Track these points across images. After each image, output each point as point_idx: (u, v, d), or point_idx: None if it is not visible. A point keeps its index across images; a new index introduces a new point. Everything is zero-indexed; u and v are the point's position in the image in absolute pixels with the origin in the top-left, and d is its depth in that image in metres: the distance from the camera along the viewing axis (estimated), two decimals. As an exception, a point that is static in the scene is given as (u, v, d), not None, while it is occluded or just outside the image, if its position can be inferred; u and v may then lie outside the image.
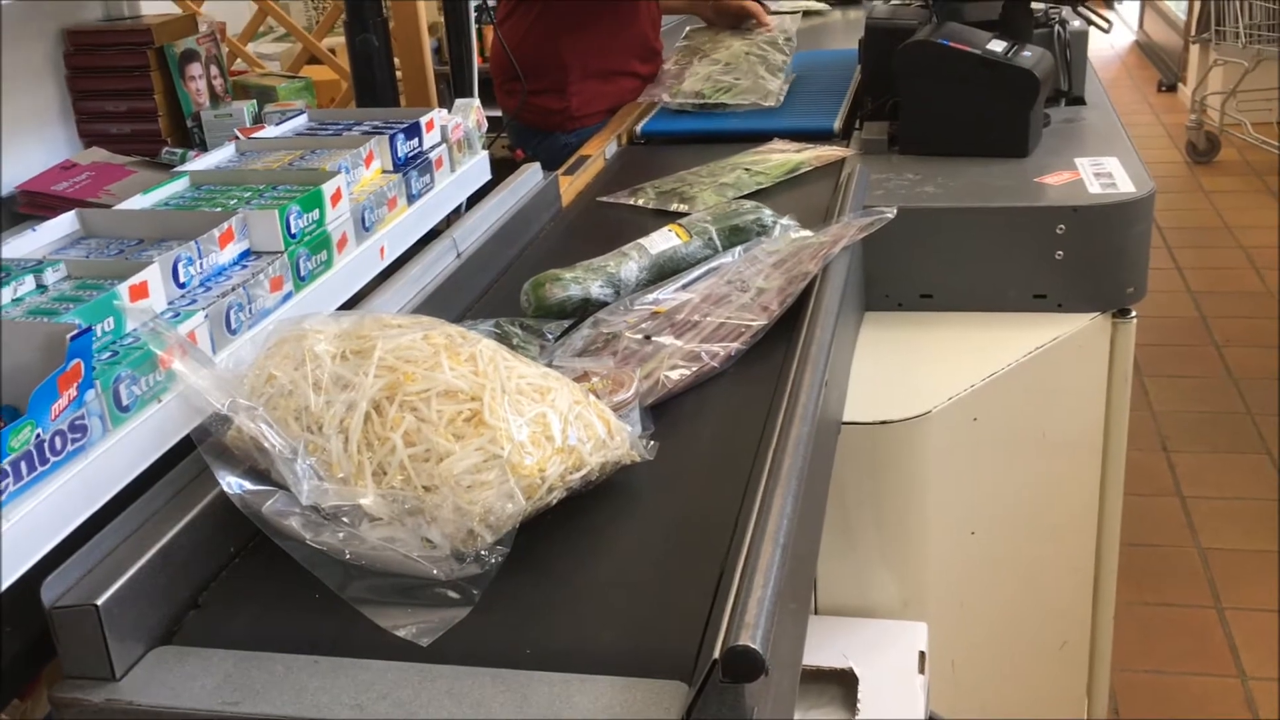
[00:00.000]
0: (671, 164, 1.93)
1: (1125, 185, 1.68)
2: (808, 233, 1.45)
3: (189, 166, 1.47)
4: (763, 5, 2.60)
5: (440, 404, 0.92)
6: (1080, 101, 2.10)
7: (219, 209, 1.29)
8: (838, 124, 2.11)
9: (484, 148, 1.73)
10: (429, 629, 0.86)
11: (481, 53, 3.39)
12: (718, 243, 1.46)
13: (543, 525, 0.96)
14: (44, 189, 1.81)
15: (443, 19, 2.46)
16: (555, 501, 0.95)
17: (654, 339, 1.24)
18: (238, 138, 1.57)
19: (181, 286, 1.14)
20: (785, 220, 1.50)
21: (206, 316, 1.10)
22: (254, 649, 0.86)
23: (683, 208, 1.72)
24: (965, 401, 1.53)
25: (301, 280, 1.26)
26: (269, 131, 1.61)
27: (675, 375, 1.19)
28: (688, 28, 2.65)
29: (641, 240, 1.43)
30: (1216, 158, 5.52)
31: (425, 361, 0.95)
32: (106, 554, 0.88)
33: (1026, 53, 1.83)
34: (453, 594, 0.88)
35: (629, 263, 1.40)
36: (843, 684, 1.38)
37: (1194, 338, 3.92)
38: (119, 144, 2.02)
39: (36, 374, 0.88)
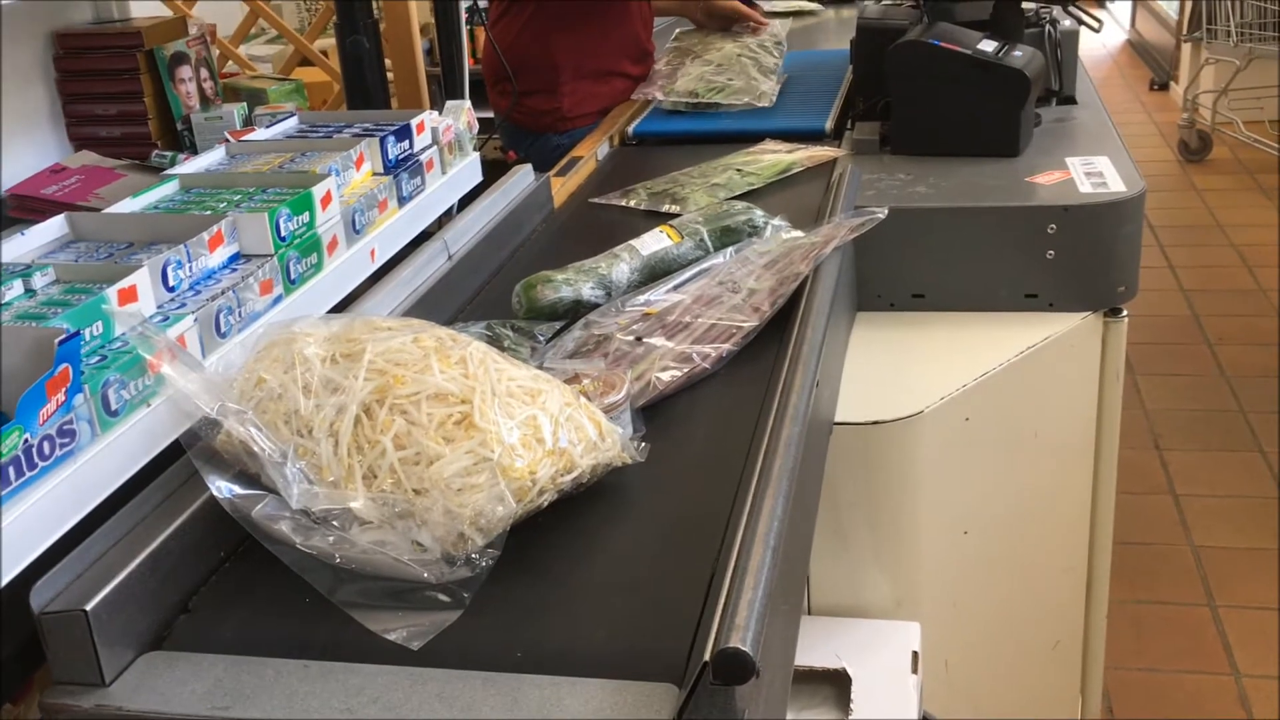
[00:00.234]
0: (663, 165, 1.93)
1: (1116, 184, 1.69)
2: (799, 233, 1.45)
3: (179, 170, 1.46)
4: (755, 6, 2.60)
5: (430, 407, 0.92)
6: (1071, 101, 2.10)
7: (209, 212, 1.29)
8: (829, 124, 2.11)
9: (475, 149, 1.73)
10: (420, 632, 0.86)
11: (473, 54, 3.39)
12: (709, 244, 1.46)
13: (534, 528, 0.96)
14: (33, 192, 1.81)
15: (434, 20, 2.46)
16: (546, 504, 0.95)
17: (645, 340, 1.23)
18: (228, 141, 1.57)
19: (171, 290, 1.14)
20: (777, 221, 1.50)
21: (196, 320, 1.10)
22: (244, 654, 0.86)
23: (674, 209, 1.72)
24: (957, 401, 1.54)
25: (292, 283, 1.26)
26: (259, 134, 1.61)
27: (666, 377, 1.19)
28: (677, 30, 2.65)
29: (633, 241, 1.43)
30: (1208, 156, 5.53)
31: (415, 364, 0.95)
32: (95, 559, 0.88)
33: (1017, 52, 1.83)
34: (443, 597, 0.88)
35: (620, 264, 1.40)
36: (836, 684, 1.38)
37: (1186, 336, 3.93)
38: (109, 147, 2.01)
39: (25, 378, 0.88)
